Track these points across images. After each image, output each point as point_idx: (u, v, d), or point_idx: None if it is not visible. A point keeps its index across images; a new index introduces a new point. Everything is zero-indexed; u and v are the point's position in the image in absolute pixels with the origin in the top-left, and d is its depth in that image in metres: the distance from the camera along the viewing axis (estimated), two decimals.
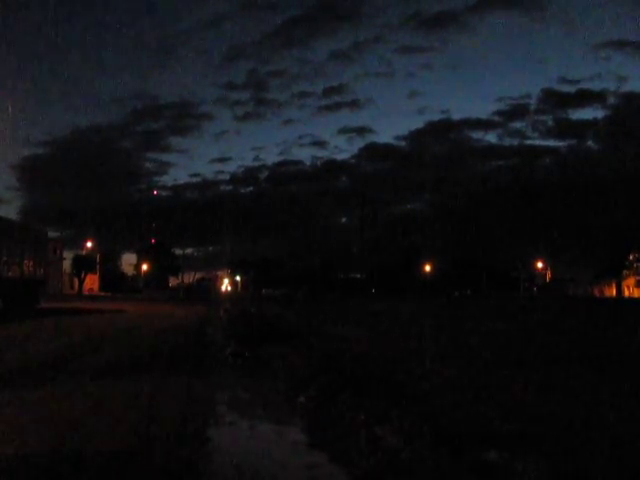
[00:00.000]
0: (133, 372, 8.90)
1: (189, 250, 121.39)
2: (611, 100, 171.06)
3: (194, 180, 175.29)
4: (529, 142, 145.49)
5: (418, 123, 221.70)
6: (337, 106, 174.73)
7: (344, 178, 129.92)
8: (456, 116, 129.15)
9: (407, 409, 5.81)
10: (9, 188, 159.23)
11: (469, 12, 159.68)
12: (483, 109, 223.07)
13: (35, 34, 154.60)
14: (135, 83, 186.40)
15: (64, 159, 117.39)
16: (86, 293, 69.53)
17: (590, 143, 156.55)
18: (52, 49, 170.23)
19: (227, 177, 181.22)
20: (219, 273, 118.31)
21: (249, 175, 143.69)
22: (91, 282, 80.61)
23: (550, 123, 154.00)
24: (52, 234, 69.37)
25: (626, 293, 75.99)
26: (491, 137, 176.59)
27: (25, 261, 26.76)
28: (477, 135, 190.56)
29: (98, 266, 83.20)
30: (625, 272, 77.76)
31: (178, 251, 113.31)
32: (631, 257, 76.69)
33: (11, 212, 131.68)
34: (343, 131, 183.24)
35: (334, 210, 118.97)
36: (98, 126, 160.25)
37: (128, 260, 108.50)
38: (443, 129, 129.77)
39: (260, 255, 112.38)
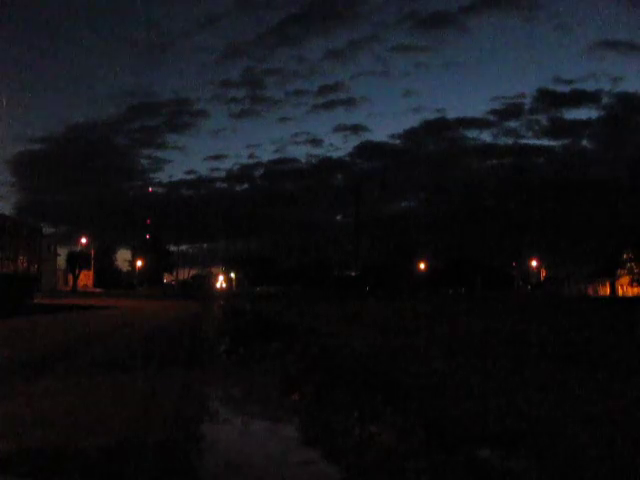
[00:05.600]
0: (126, 369, 8.86)
1: (184, 247, 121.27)
2: (605, 100, 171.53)
3: (189, 177, 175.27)
4: (524, 141, 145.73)
5: (413, 122, 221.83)
6: (332, 104, 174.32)
7: (339, 176, 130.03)
8: (451, 115, 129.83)
9: (401, 407, 5.81)
10: (4, 184, 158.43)
11: (464, 12, 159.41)
12: (478, 108, 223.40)
13: (31, 30, 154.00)
14: (131, 80, 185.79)
15: (59, 155, 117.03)
16: (80, 289, 69.33)
17: (584, 143, 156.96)
18: (48, 45, 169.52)
19: (222, 174, 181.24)
20: (214, 270, 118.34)
21: (244, 172, 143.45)
22: (85, 278, 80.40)
23: (545, 122, 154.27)
24: (47, 230, 69.21)
25: (620, 292, 76.30)
26: (486, 136, 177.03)
27: (19, 257, 26.67)
28: (472, 134, 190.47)
29: (93, 262, 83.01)
30: (619, 271, 78.05)
31: (173, 248, 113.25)
32: (625, 256, 77.00)
33: (6, 208, 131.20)
34: (338, 129, 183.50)
35: (329, 208, 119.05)
36: (94, 122, 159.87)
37: (123, 256, 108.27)
38: (438, 128, 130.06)
39: (255, 252, 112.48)
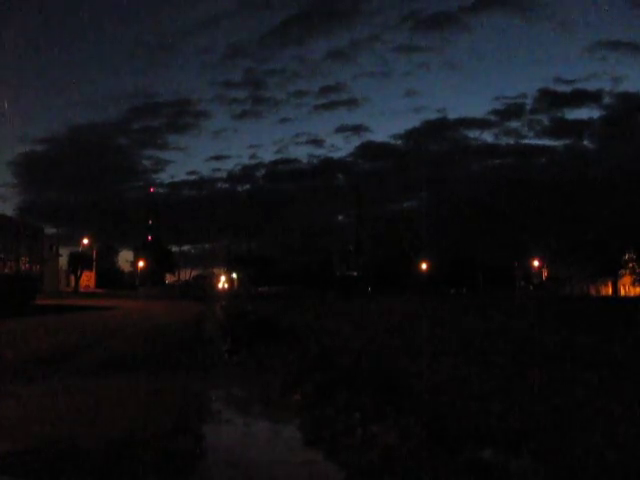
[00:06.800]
0: (129, 369, 8.88)
1: (186, 247, 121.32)
2: (607, 100, 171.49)
3: (191, 178, 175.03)
4: (525, 141, 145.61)
5: (414, 122, 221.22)
6: (334, 105, 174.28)
7: (340, 176, 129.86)
8: (452, 115, 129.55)
9: (402, 407, 5.81)
10: (6, 185, 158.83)
11: (466, 12, 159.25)
12: (479, 108, 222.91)
13: (33, 31, 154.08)
14: (133, 81, 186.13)
15: (61, 156, 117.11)
16: (82, 290, 69.34)
17: (586, 142, 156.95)
18: (50, 46, 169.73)
19: (224, 175, 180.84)
20: (216, 270, 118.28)
21: (246, 173, 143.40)
22: (87, 279, 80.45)
23: (546, 122, 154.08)
24: (49, 231, 69.30)
25: (622, 292, 76.18)
26: (487, 136, 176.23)
27: (21, 258, 26.73)
28: (473, 134, 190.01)
29: (94, 263, 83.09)
30: (621, 271, 77.96)
31: (175, 248, 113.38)
32: (627, 256, 76.90)
33: (8, 209, 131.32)
34: (340, 129, 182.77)
35: (331, 208, 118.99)
36: (96, 123, 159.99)
37: (125, 257, 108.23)
38: (439, 128, 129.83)
39: (257, 253, 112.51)
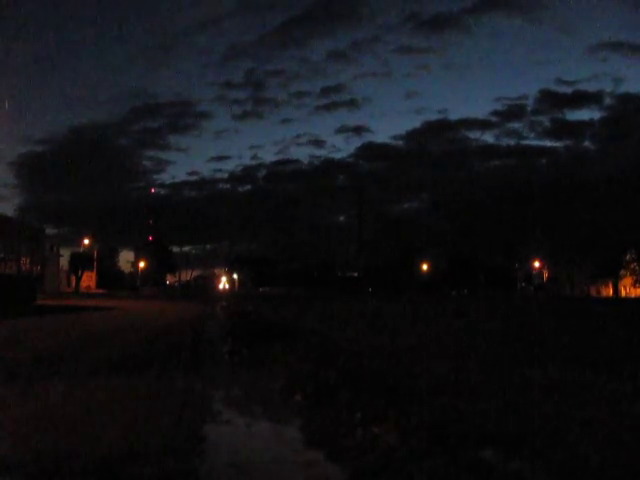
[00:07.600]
0: (129, 369, 8.88)
1: (187, 248, 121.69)
2: (607, 101, 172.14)
3: (192, 178, 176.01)
4: (526, 142, 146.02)
5: (415, 123, 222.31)
6: (335, 105, 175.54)
7: (341, 177, 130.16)
8: (453, 116, 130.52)
9: (403, 408, 5.80)
10: (7, 185, 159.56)
11: (467, 13, 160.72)
12: (480, 109, 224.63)
13: (34, 32, 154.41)
14: (134, 81, 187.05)
15: (62, 157, 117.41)
16: (83, 290, 69.47)
17: (587, 143, 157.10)
18: (50, 47, 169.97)
19: (225, 175, 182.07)
20: (217, 271, 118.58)
21: (247, 174, 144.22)
22: (88, 279, 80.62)
23: (547, 124, 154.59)
24: (49, 231, 69.58)
25: (623, 293, 76.12)
26: (488, 137, 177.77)
27: (22, 258, 26.75)
28: (474, 135, 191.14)
29: (95, 263, 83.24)
30: (622, 272, 77.94)
31: (176, 249, 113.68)
32: (627, 257, 76.88)
33: (8, 209, 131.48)
34: (341, 130, 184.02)
35: (331, 209, 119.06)
36: (96, 124, 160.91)
37: (126, 257, 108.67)
38: (440, 129, 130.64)
39: (258, 253, 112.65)
